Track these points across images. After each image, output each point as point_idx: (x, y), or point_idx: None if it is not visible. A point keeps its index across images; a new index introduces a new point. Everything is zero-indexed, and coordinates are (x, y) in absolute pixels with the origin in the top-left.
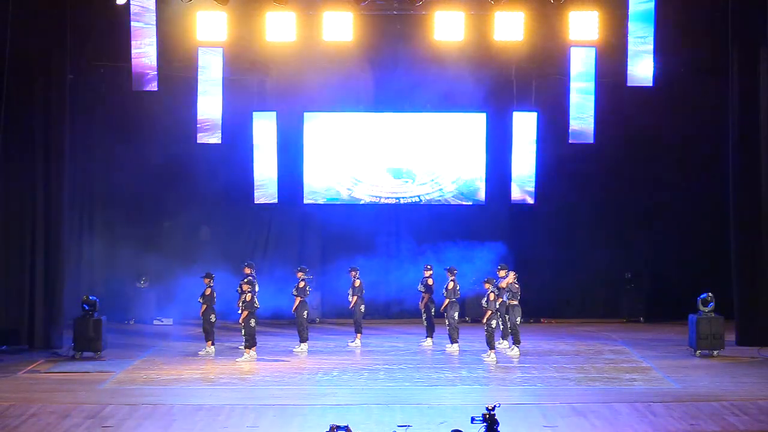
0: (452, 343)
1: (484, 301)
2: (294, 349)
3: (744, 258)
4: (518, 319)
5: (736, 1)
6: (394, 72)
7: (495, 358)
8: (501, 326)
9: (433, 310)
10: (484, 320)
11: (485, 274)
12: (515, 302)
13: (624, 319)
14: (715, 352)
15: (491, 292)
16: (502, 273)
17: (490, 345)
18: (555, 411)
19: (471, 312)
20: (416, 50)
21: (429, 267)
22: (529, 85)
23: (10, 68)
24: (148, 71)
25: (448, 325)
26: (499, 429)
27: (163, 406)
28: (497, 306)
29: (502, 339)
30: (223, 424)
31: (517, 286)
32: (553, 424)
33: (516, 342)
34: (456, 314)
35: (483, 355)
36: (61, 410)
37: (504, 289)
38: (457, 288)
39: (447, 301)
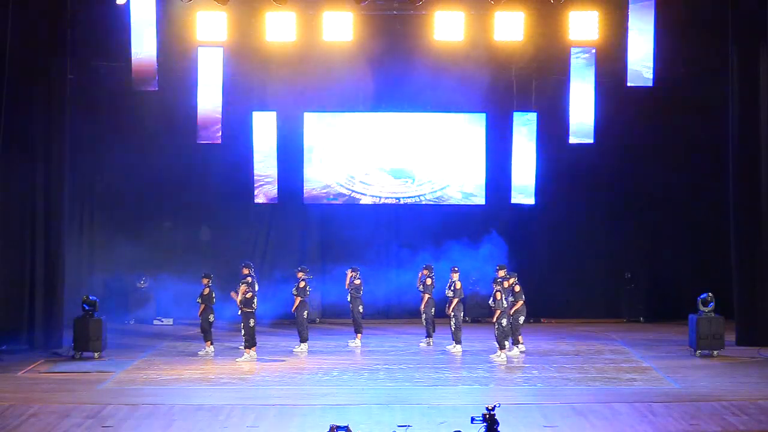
0: (456, 343)
1: (491, 301)
2: (294, 349)
3: (744, 258)
4: (521, 319)
5: (736, 1)
6: (394, 72)
7: (505, 359)
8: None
9: (433, 310)
10: (494, 319)
11: (485, 274)
12: (520, 303)
13: (624, 319)
14: (715, 352)
15: (497, 291)
16: (501, 273)
17: (501, 344)
18: (555, 411)
19: (471, 312)
20: (416, 50)
21: (428, 267)
22: (529, 85)
23: (11, 68)
24: (148, 71)
25: (454, 325)
26: (499, 429)
27: (163, 406)
28: (504, 305)
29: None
30: (223, 424)
31: (518, 287)
32: (553, 424)
33: (515, 342)
34: (461, 314)
35: (492, 355)
36: (61, 410)
37: (507, 289)
38: (461, 287)
39: (456, 300)
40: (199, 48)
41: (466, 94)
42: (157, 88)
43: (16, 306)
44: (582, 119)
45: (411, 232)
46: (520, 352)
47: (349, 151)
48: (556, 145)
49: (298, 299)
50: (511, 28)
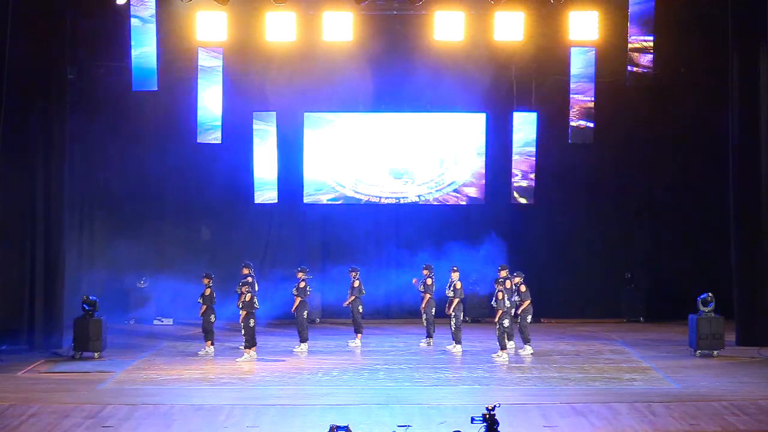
0: (456, 343)
1: (493, 301)
2: (294, 349)
3: (744, 258)
4: (528, 318)
5: (736, 1)
6: (394, 72)
7: (507, 358)
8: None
9: (433, 311)
10: (496, 319)
11: (485, 274)
12: (526, 302)
13: (624, 319)
14: (715, 352)
15: (499, 291)
16: (503, 273)
17: (502, 345)
18: (555, 411)
19: (471, 312)
20: (416, 50)
21: (428, 267)
22: (529, 85)
23: (11, 68)
24: (148, 71)
25: (454, 325)
26: (499, 429)
27: (163, 406)
28: (507, 305)
29: (507, 339)
30: (223, 424)
31: (524, 287)
32: (553, 424)
33: (525, 341)
34: (461, 314)
35: (494, 355)
36: (61, 410)
37: (510, 288)
38: (461, 287)
39: (457, 300)
40: (199, 48)
41: (466, 94)
42: (157, 89)
43: (16, 306)
44: (582, 119)
45: (411, 232)
46: (515, 353)
47: (349, 152)
48: (556, 145)
49: (298, 299)
50: (511, 28)
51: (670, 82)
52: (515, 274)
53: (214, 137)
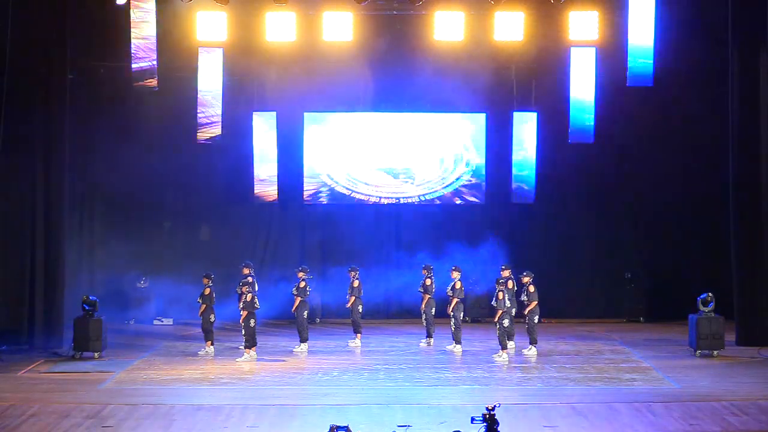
0: (456, 343)
1: (493, 301)
2: (294, 349)
3: (744, 258)
4: (536, 318)
5: (736, 1)
6: (394, 72)
7: (507, 359)
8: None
9: (433, 311)
10: (496, 319)
11: (485, 274)
12: (533, 303)
13: (624, 319)
14: (715, 352)
15: (500, 291)
16: (505, 273)
17: (503, 345)
18: (555, 411)
19: (471, 312)
20: (416, 50)
21: (427, 267)
22: (529, 85)
23: (11, 68)
24: (148, 71)
25: (454, 325)
26: (499, 429)
27: (163, 406)
28: (507, 305)
29: (508, 339)
30: (223, 424)
31: (532, 287)
32: (553, 424)
33: (532, 342)
34: (461, 314)
35: (494, 355)
36: (61, 410)
37: (512, 289)
38: (461, 287)
39: (455, 300)
40: (199, 48)
41: (466, 94)
42: (157, 88)
43: (16, 306)
44: (582, 119)
45: (411, 232)
46: (516, 353)
47: (349, 151)
48: (556, 145)
49: (298, 299)
50: (511, 28)
51: (669, 82)
52: (525, 273)
53: (214, 137)
